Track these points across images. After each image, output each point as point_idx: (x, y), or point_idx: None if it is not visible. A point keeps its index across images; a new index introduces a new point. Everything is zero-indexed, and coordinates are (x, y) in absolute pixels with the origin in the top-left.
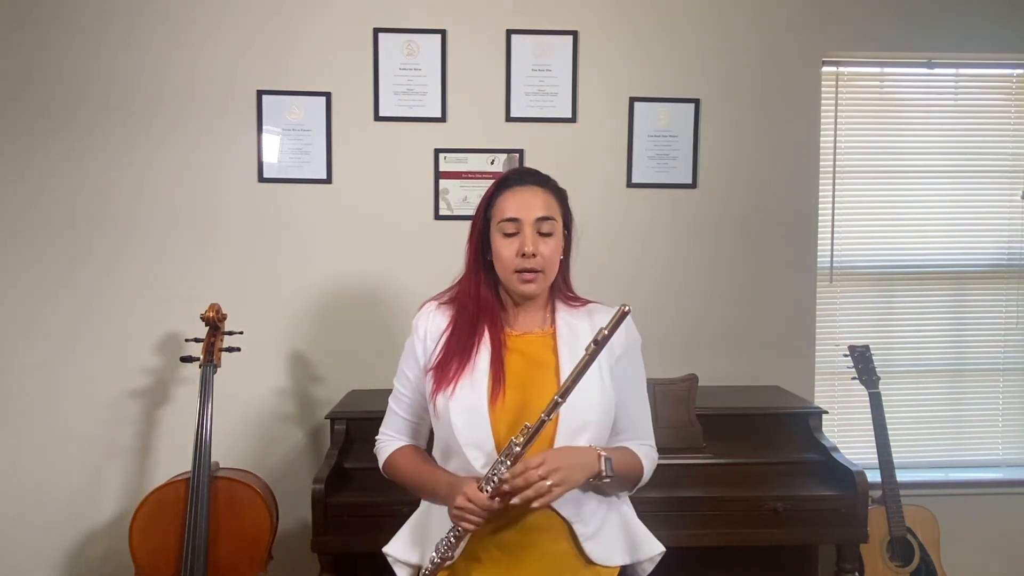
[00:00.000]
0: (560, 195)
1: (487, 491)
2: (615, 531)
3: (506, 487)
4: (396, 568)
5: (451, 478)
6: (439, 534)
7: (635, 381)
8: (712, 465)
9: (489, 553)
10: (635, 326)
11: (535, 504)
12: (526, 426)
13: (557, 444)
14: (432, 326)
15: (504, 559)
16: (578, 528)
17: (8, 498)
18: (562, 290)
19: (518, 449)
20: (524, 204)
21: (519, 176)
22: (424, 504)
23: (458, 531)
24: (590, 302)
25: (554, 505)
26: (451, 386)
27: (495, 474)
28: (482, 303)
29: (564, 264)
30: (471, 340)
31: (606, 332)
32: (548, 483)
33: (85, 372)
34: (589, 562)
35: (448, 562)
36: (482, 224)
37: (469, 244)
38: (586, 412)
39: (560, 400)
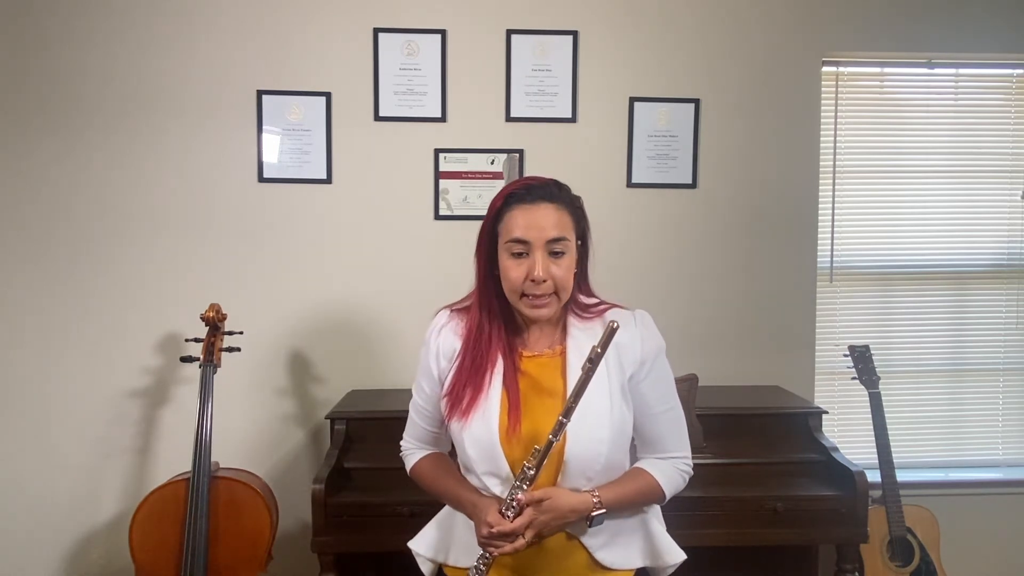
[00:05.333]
0: (573, 208)
1: (508, 516)
2: (633, 535)
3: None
4: (420, 563)
5: (473, 497)
6: (464, 532)
7: (656, 393)
8: (712, 465)
9: (504, 565)
10: (656, 330)
11: None
12: (536, 449)
13: (568, 474)
14: (445, 345)
15: (519, 567)
16: (587, 541)
17: (8, 498)
18: (577, 302)
19: (532, 472)
20: (534, 225)
21: (528, 190)
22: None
23: (487, 556)
24: (609, 307)
25: None
26: (465, 418)
27: (513, 499)
28: (493, 327)
29: (580, 276)
30: (483, 366)
31: (599, 350)
32: (524, 540)
33: (85, 372)
34: (605, 568)
35: None
36: (489, 239)
37: (477, 258)
38: (596, 444)
39: (564, 420)
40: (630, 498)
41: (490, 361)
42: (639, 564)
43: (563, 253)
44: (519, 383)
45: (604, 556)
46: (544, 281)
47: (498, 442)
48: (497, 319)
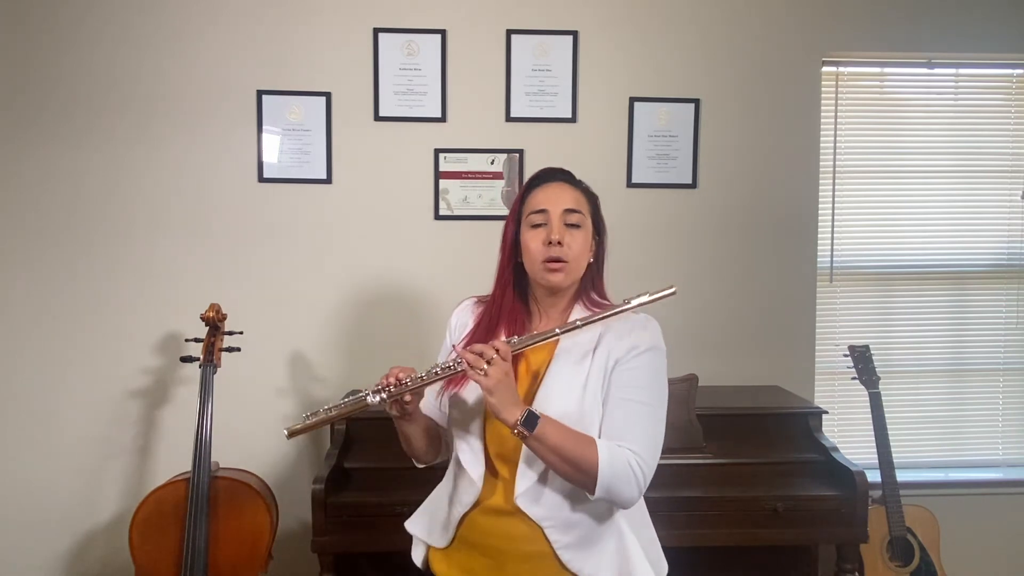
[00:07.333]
0: (591, 197)
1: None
2: (605, 544)
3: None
4: (414, 547)
5: None
6: (443, 509)
7: (629, 378)
8: (712, 465)
9: (473, 559)
10: (659, 335)
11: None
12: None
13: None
14: (461, 321)
15: (489, 564)
16: (551, 534)
17: (8, 498)
18: (588, 295)
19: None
20: (552, 196)
21: (550, 173)
22: (439, 487)
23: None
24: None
25: (524, 506)
26: (459, 385)
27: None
28: (504, 306)
29: (595, 269)
30: (487, 340)
31: (648, 299)
32: (484, 367)
33: (85, 372)
34: (572, 574)
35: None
36: (515, 229)
37: (502, 248)
38: (567, 399)
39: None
40: (563, 436)
41: (494, 337)
42: None
43: (579, 226)
44: (517, 364)
45: (569, 558)
46: (560, 244)
47: (483, 404)
48: (512, 303)
